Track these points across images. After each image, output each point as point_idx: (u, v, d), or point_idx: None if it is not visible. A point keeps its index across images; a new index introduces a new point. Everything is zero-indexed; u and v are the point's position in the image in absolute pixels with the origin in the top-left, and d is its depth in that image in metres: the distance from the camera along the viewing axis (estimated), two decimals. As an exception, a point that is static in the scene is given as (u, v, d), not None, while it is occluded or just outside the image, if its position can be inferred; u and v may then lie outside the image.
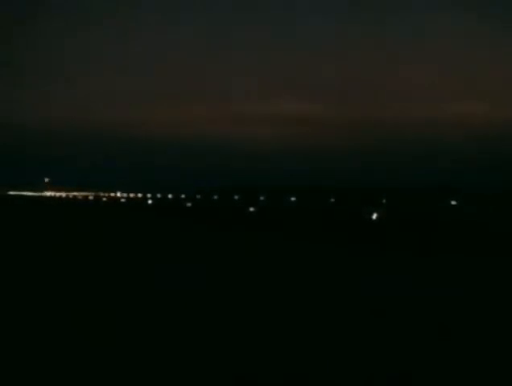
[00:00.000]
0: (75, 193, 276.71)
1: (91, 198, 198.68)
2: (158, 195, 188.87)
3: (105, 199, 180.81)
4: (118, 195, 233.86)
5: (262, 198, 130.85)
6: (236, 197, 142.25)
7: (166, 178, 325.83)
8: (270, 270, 20.85)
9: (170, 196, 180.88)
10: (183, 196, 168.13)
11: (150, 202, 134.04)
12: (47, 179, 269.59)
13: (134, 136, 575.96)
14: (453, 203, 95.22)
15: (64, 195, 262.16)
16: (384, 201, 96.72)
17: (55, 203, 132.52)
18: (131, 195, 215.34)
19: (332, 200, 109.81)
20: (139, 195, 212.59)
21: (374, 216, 61.57)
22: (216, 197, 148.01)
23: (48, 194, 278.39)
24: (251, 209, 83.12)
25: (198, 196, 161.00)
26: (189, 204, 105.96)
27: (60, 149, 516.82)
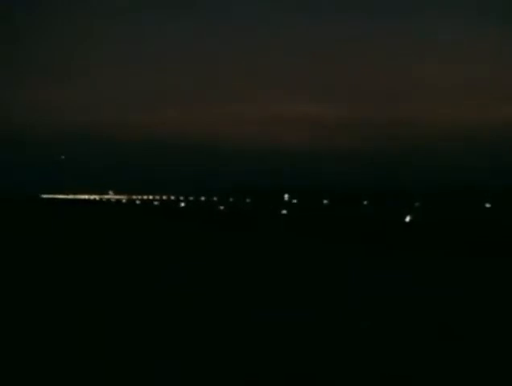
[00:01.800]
0: (108, 196, 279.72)
1: (124, 201, 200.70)
2: (191, 198, 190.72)
3: (138, 201, 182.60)
4: (151, 197, 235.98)
5: (294, 200, 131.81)
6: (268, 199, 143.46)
7: (191, 180, 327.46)
8: (316, 275, 21.39)
9: (202, 198, 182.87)
10: (215, 198, 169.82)
11: (182, 204, 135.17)
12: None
13: (160, 137, 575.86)
14: (487, 205, 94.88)
15: (97, 197, 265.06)
16: (417, 204, 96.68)
17: (98, 206, 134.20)
18: (164, 198, 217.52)
19: (365, 203, 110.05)
20: (172, 197, 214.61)
21: (408, 219, 61.58)
22: (248, 200, 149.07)
23: (83, 197, 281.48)
24: (284, 212, 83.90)
25: (231, 199, 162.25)
26: (222, 207, 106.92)
27: (91, 151, 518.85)
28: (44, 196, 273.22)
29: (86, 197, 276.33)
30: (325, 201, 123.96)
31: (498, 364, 10.35)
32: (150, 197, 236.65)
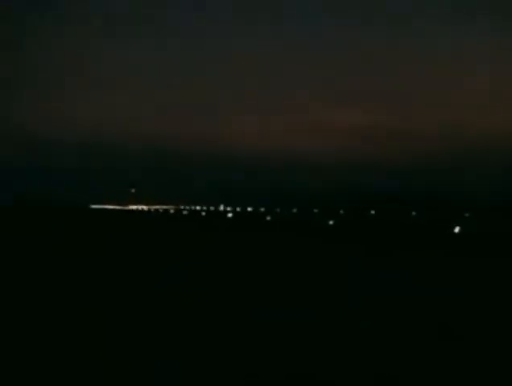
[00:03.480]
0: (156, 206, 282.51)
1: (172, 211, 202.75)
2: (238, 209, 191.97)
3: (185, 212, 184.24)
4: (198, 208, 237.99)
5: (341, 211, 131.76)
6: (315, 210, 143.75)
7: (240, 192, 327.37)
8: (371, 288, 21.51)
9: (249, 209, 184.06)
10: (262, 209, 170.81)
11: (230, 215, 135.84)
12: (133, 190, 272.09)
13: (210, 149, 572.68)
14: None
15: (145, 208, 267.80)
16: (467, 215, 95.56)
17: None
18: (211, 208, 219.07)
19: (414, 213, 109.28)
20: (220, 208, 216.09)
21: (457, 229, 61.00)
22: (295, 210, 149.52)
23: (132, 207, 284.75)
24: (330, 222, 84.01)
25: (277, 209, 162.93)
26: (268, 218, 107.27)
27: (138, 162, 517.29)
28: (94, 206, 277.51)
29: (134, 207, 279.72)
30: (372, 212, 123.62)
31: (498, 364, 10.35)
32: (198, 207, 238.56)
